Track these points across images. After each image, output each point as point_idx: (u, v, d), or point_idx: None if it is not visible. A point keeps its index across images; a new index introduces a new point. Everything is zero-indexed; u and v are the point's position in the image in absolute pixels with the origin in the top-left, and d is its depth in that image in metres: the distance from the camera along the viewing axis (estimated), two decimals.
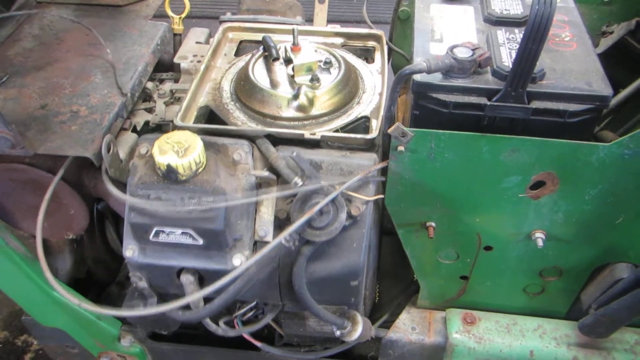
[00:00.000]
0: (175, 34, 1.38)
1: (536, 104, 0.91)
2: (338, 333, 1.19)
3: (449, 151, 0.98)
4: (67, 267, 1.32)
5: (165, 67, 1.34)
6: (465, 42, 0.96)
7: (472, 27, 1.07)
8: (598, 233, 1.05)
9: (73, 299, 0.90)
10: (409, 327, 1.34)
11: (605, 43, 1.25)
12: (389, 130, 0.96)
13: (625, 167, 0.92)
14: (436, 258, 1.21)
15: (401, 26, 1.44)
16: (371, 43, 1.34)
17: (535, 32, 0.80)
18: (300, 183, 0.99)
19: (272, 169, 1.03)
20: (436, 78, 0.95)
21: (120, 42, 1.23)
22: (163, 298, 1.11)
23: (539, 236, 1.07)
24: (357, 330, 1.19)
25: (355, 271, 1.06)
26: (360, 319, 1.19)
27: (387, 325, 1.40)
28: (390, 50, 1.43)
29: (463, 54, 0.93)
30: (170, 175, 0.92)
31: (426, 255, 1.21)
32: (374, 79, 1.23)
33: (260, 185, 1.04)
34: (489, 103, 0.93)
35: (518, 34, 1.02)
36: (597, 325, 1.13)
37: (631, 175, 0.93)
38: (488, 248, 1.16)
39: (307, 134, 1.04)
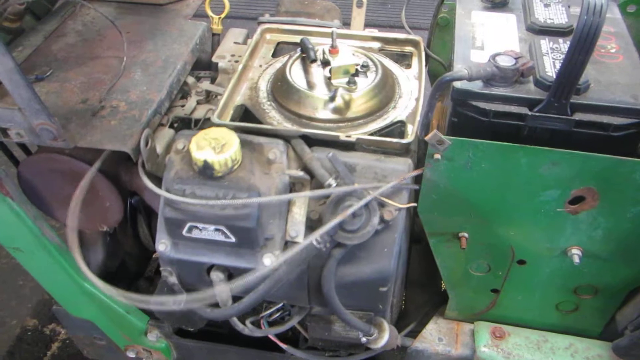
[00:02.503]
0: (213, 34, 1.39)
1: (579, 116, 0.89)
2: (364, 339, 1.18)
3: (486, 161, 0.96)
4: (99, 260, 1.34)
5: (203, 66, 1.36)
6: (507, 50, 0.95)
7: (515, 35, 1.05)
8: (638, 253, 1.02)
9: (106, 289, 0.92)
10: (436, 337, 1.32)
11: None
12: (426, 138, 0.95)
13: None
14: (467, 269, 1.19)
15: (440, 33, 1.43)
16: (408, 48, 1.33)
17: (582, 42, 0.78)
18: (335, 184, 0.98)
19: (306, 169, 1.03)
20: (477, 86, 0.94)
21: (160, 41, 1.25)
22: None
23: (576, 252, 1.04)
24: (384, 337, 1.18)
25: (385, 277, 1.05)
26: (387, 326, 1.18)
27: (414, 334, 1.38)
28: (427, 56, 1.42)
29: (505, 62, 0.92)
30: (206, 171, 0.93)
31: (457, 266, 1.19)
32: (411, 84, 1.22)
33: (294, 185, 1.04)
34: (530, 113, 0.91)
35: (562, 44, 1.00)
36: (632, 348, 1.09)
37: None
38: (521, 262, 1.13)
39: (342, 136, 1.03)
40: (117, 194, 1.11)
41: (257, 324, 1.22)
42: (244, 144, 1.00)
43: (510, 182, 0.98)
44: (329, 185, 0.98)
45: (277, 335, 1.27)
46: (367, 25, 1.50)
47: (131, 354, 1.47)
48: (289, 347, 1.26)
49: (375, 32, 1.34)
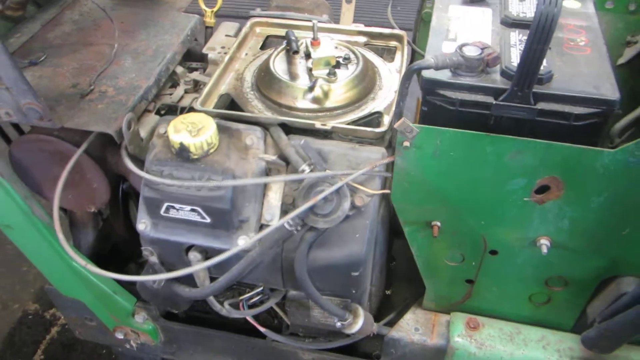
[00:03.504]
0: (206, 27, 1.44)
1: (542, 105, 0.91)
2: (339, 324, 1.21)
3: (454, 149, 0.98)
4: (89, 241, 1.39)
5: (196, 58, 1.41)
6: (475, 41, 0.97)
7: (488, 28, 1.08)
8: (604, 243, 1.03)
9: (80, 260, 0.96)
10: (412, 327, 1.34)
11: (630, 53, 1.23)
12: (395, 125, 0.98)
13: (630, 176, 0.90)
14: (442, 259, 1.22)
15: (424, 28, 1.46)
16: (393, 43, 1.37)
17: (540, 32, 0.81)
18: (308, 170, 1.02)
19: (282, 156, 1.07)
20: (445, 75, 0.97)
21: (153, 31, 1.30)
22: None
23: (544, 243, 1.06)
24: (358, 323, 1.21)
25: (356, 262, 1.08)
26: (361, 312, 1.21)
27: (393, 324, 1.41)
28: (413, 51, 1.45)
29: (471, 52, 0.95)
30: (182, 153, 0.97)
31: (432, 255, 1.22)
32: (392, 77, 1.25)
33: (270, 171, 1.08)
34: (495, 102, 0.93)
35: None
36: (600, 339, 1.11)
37: (637, 184, 0.91)
38: (493, 252, 1.15)
39: (318, 124, 1.07)
40: (103, 176, 1.16)
41: (236, 306, 1.26)
42: (222, 129, 1.04)
43: (477, 171, 1.00)
44: (303, 171, 1.02)
45: (262, 323, 1.31)
46: (364, 24, 1.53)
47: (119, 335, 1.51)
48: (267, 330, 1.30)
49: (361, 27, 1.38)
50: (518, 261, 1.14)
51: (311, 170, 1.02)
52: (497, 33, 1.06)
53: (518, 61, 0.95)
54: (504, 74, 0.94)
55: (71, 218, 1.37)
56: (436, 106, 0.99)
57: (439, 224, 1.12)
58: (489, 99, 0.94)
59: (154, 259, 1.13)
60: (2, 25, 1.26)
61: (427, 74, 0.96)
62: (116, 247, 1.55)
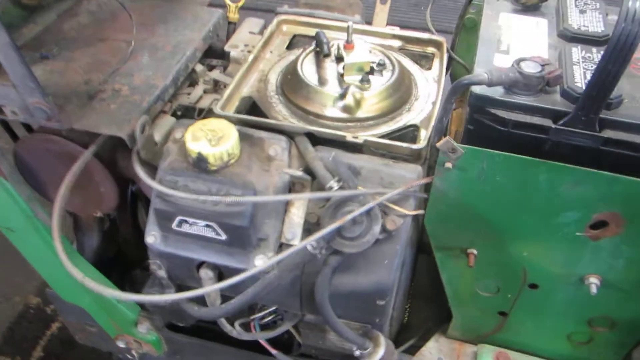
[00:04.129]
0: (229, 22, 1.35)
1: (608, 133, 0.81)
2: (357, 353, 1.11)
3: (501, 174, 0.88)
4: (94, 245, 1.31)
5: (216, 54, 1.31)
6: (534, 56, 0.87)
7: (544, 41, 0.97)
8: None
9: (77, 274, 0.87)
10: (436, 356, 1.25)
11: None
12: (438, 144, 0.88)
13: None
14: (474, 288, 1.12)
15: (465, 35, 1.35)
16: (430, 49, 1.26)
17: (618, 51, 0.70)
18: (336, 187, 0.92)
19: (308, 169, 0.97)
20: (497, 92, 0.87)
21: (172, 25, 1.21)
22: (181, 290, 1.07)
23: (594, 282, 0.96)
24: (379, 353, 1.11)
25: (383, 290, 0.98)
26: (383, 341, 1.11)
27: (413, 350, 1.31)
28: (450, 59, 1.35)
29: (530, 68, 0.84)
30: (200, 163, 0.88)
31: (464, 284, 1.12)
32: (430, 87, 1.15)
33: (294, 185, 0.99)
34: (554, 126, 0.83)
35: (596, 54, 0.92)
36: None
37: None
38: (533, 286, 1.05)
39: (349, 137, 0.97)
40: (112, 181, 1.07)
41: (247, 325, 1.16)
42: (243, 137, 0.95)
43: (526, 200, 0.90)
44: (330, 188, 0.92)
45: (270, 339, 1.21)
46: (397, 26, 1.43)
47: (121, 344, 1.43)
48: (278, 353, 1.20)
49: (396, 30, 1.28)
50: (560, 298, 1.05)
51: (340, 188, 0.93)
52: (554, 47, 0.95)
53: (583, 81, 0.84)
54: (565, 95, 0.84)
55: (75, 221, 1.29)
56: (484, 125, 0.88)
57: (475, 252, 1.02)
58: (547, 122, 0.84)
59: (162, 273, 1.04)
60: (18, 13, 1.17)
61: (477, 89, 0.86)
62: (121, 251, 1.46)
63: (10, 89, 0.85)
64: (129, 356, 1.49)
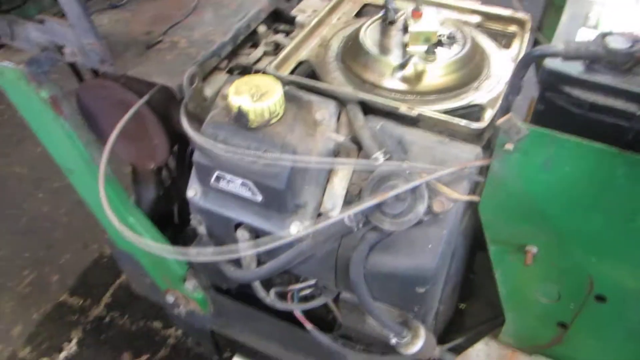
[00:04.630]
0: None
1: None
2: (393, 341, 1.05)
3: (572, 164, 0.77)
4: (149, 199, 1.34)
5: (287, 20, 1.28)
6: (623, 31, 0.74)
7: None
8: None
9: (115, 219, 0.88)
10: None
11: None
12: (498, 122, 0.78)
13: None
14: (532, 292, 1.01)
15: (555, 14, 1.19)
16: (512, 28, 1.14)
17: None
18: (382, 160, 0.86)
19: (355, 139, 0.91)
20: (575, 69, 0.75)
21: None
22: None
23: None
24: (417, 344, 1.04)
25: (424, 276, 0.91)
26: (423, 332, 1.04)
27: (460, 351, 1.22)
28: (536, 40, 1.21)
29: (618, 43, 0.72)
30: (240, 119, 0.85)
31: (519, 285, 1.01)
32: (505, 66, 1.04)
33: (339, 154, 0.93)
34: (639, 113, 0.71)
35: None
36: None
37: None
38: (600, 298, 0.92)
39: (403, 108, 0.90)
40: (165, 133, 1.08)
41: (284, 296, 1.14)
42: (291, 98, 0.91)
43: (599, 196, 0.79)
44: (375, 160, 0.86)
45: (314, 315, 1.18)
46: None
47: (170, 298, 1.47)
48: (312, 328, 1.17)
49: (476, 5, 1.17)
50: (632, 315, 0.91)
51: (386, 160, 0.86)
52: None
53: None
54: None
55: (134, 173, 1.33)
56: (556, 106, 0.77)
57: (534, 250, 0.91)
58: (632, 107, 0.72)
59: (202, 229, 1.04)
60: None
61: (551, 64, 0.75)
62: (179, 209, 1.50)
63: (68, 29, 0.87)
64: (177, 311, 1.53)
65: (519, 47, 1.09)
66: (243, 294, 1.43)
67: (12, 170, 2.83)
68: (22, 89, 0.99)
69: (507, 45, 1.11)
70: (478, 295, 1.46)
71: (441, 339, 1.19)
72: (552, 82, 0.77)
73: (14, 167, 2.85)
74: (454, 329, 1.36)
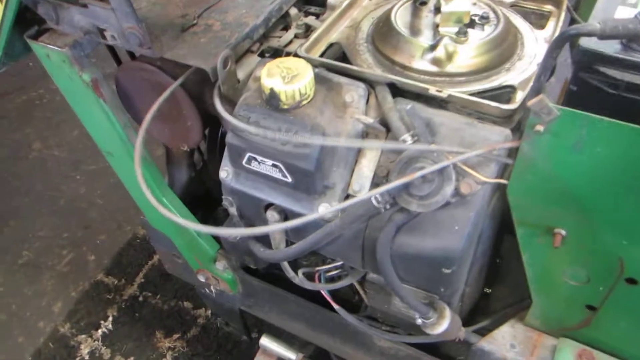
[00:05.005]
0: None
1: None
2: (420, 321, 1.06)
3: (604, 145, 0.76)
4: (183, 180, 1.38)
5: (318, 2, 1.28)
6: None
7: None
8: None
9: (150, 197, 0.92)
10: (508, 342, 1.15)
11: None
12: (529, 103, 0.78)
13: None
14: (560, 275, 1.00)
15: None
16: (548, 7, 1.12)
17: None
18: (410, 141, 0.87)
19: (384, 121, 0.92)
20: (611, 48, 0.74)
21: None
22: None
23: None
24: (442, 325, 1.05)
25: (450, 258, 0.92)
26: (448, 313, 1.05)
27: (485, 333, 1.22)
28: (572, 20, 1.19)
29: None
30: (272, 100, 0.87)
31: (548, 268, 1.01)
32: (538, 47, 1.03)
33: (368, 136, 0.95)
34: None
35: None
36: None
37: None
38: (631, 281, 0.91)
39: (432, 90, 0.90)
40: (198, 115, 1.10)
41: (312, 276, 1.16)
42: (321, 80, 0.92)
43: (632, 179, 0.77)
44: (404, 141, 0.87)
45: (341, 297, 1.20)
46: None
47: (201, 278, 1.52)
48: (340, 308, 1.19)
49: None
50: None
51: (414, 142, 0.87)
52: None
53: None
54: None
55: (168, 155, 1.36)
56: (591, 87, 0.77)
57: (563, 232, 0.91)
58: None
59: (233, 210, 1.07)
60: None
61: (586, 43, 0.75)
62: (210, 191, 1.53)
63: (110, 13, 0.90)
64: (207, 291, 1.58)
65: (554, 26, 1.07)
66: (271, 274, 1.46)
67: (51, 153, 2.93)
68: (65, 72, 1.03)
69: (542, 25, 1.09)
70: (505, 280, 1.46)
71: (467, 322, 1.20)
72: (587, 61, 0.76)
73: (53, 150, 2.95)
74: (480, 312, 1.36)
